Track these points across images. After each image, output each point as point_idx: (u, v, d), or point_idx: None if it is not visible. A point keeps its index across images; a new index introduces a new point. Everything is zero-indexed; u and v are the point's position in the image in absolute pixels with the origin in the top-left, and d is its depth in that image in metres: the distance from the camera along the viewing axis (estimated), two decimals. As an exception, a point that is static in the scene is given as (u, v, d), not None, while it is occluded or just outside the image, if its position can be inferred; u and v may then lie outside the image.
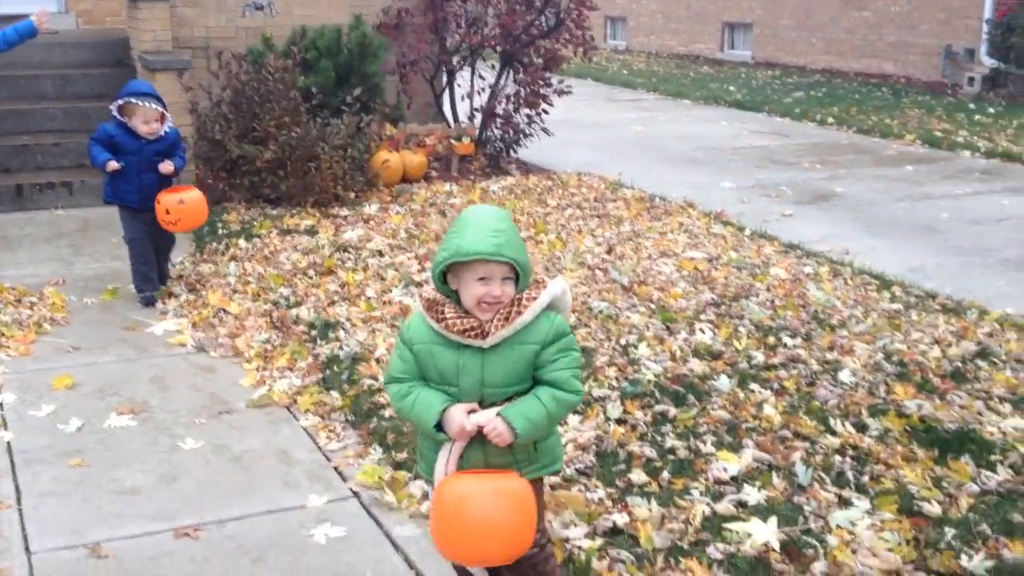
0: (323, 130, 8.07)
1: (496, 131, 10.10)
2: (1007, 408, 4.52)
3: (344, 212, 7.99)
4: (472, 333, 2.63)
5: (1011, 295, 6.20)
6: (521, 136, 9.99)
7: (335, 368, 5.02)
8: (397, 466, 4.06)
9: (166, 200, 5.81)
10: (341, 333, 5.43)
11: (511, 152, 10.22)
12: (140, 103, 5.72)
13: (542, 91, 9.83)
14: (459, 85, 10.40)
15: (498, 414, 2.62)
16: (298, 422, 4.52)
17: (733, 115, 14.54)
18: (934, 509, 3.68)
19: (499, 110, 10.01)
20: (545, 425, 2.65)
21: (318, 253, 6.86)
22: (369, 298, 5.99)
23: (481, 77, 10.18)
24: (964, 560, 3.35)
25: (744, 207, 8.58)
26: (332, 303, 5.91)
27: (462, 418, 2.62)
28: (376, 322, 5.60)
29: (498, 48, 10.02)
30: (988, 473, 3.94)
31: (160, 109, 5.78)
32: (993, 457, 4.06)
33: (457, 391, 2.67)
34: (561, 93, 9.89)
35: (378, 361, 5.04)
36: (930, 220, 8.22)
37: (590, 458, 4.09)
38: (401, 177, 9.14)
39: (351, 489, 3.92)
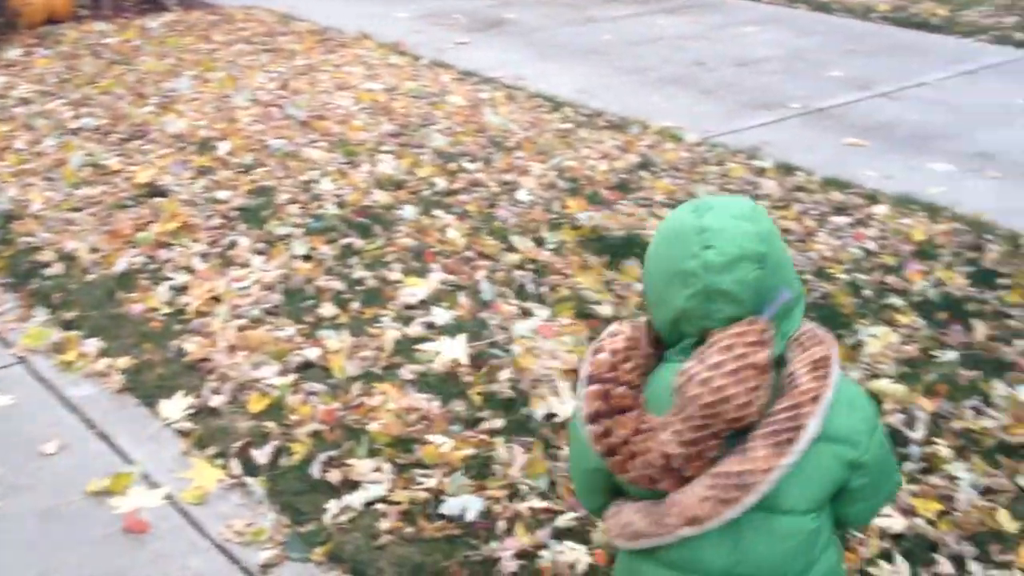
0: (-60, -37, 7.07)
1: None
2: (667, 212, 4.86)
3: (-21, 58, 7.13)
4: None
5: (668, 110, 6.59)
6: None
7: (-15, 229, 4.55)
8: (66, 326, 3.79)
9: None
10: (-12, 191, 4.92)
11: (169, -14, 9.44)
12: None
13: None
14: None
15: None
16: (-54, 291, 4.09)
17: (404, -57, 14.17)
18: (606, 310, 3.94)
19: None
20: None
21: (-49, 105, 6.11)
22: (19, 150, 5.44)
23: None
24: (634, 353, 3.62)
25: (420, 36, 8.48)
26: (-26, 159, 5.31)
27: None
28: (29, 175, 5.10)
29: None
30: (652, 273, 4.25)
31: None
32: (656, 258, 4.38)
33: None
34: None
35: (35, 217, 4.61)
36: (594, 43, 8.52)
37: (277, 297, 4.01)
38: (46, 18, 8.25)
39: (16, 355, 3.63)
